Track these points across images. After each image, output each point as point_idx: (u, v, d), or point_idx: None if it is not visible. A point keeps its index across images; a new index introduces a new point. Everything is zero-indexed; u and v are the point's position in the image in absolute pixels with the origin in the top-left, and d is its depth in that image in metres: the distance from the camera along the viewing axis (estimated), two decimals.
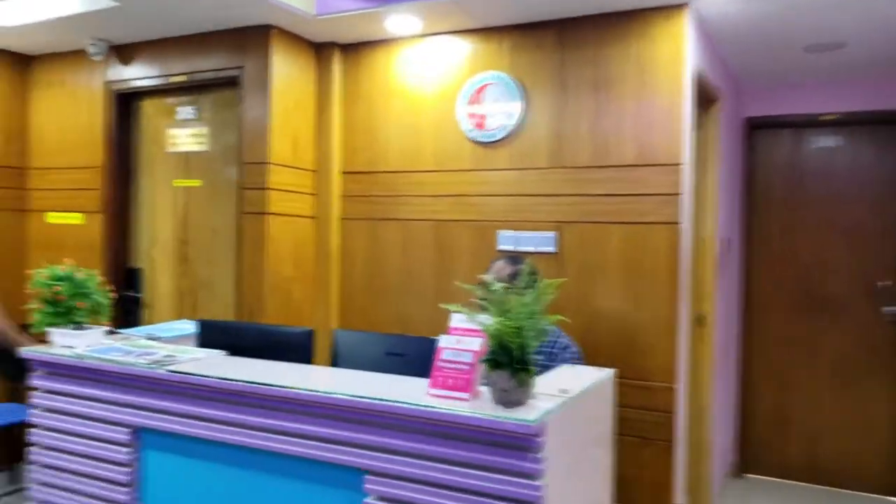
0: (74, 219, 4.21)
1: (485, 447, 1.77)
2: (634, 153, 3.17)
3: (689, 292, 3.40)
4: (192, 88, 3.92)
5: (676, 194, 3.08)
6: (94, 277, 2.55)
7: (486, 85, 3.47)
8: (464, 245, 3.55)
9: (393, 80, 3.72)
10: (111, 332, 2.98)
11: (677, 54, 3.09)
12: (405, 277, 3.69)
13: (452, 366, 1.90)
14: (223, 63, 3.69)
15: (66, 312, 2.51)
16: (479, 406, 1.80)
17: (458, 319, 1.96)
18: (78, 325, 2.54)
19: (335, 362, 2.40)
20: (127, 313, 4.17)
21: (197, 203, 3.97)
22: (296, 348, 2.50)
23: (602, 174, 3.23)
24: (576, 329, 3.07)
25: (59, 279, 2.50)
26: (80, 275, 2.52)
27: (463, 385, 1.86)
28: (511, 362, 1.78)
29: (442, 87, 3.59)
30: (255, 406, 2.08)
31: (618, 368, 2.51)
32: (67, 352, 2.41)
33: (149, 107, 4.13)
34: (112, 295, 2.64)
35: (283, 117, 3.63)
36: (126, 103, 4.13)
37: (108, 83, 4.07)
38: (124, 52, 4.00)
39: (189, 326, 2.80)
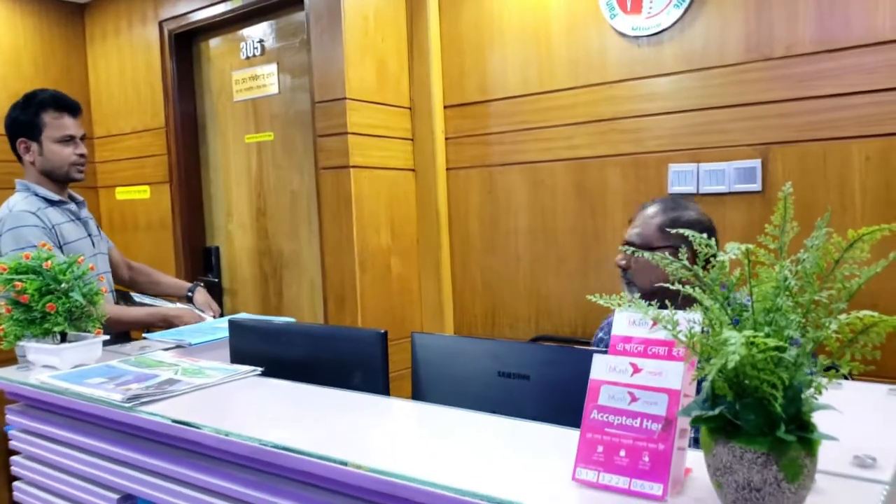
0: (141, 192, 3.57)
1: None
2: None
3: None
4: (252, 15, 3.09)
5: None
6: (73, 266, 1.76)
7: None
8: (617, 191, 2.48)
9: None
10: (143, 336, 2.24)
11: None
12: (537, 242, 2.68)
13: (622, 422, 0.90)
14: None
15: (41, 319, 1.74)
16: None
17: (624, 321, 0.96)
18: (62, 336, 1.77)
19: (415, 386, 1.47)
20: None
21: (271, 162, 3.17)
22: (363, 360, 1.60)
23: (835, 62, 2.05)
24: None
25: (24, 272, 1.74)
26: (54, 264, 1.74)
27: (650, 468, 0.86)
28: (767, 424, 0.75)
29: None
30: (265, 476, 1.20)
31: None
32: (40, 377, 1.65)
33: (209, 48, 3.37)
34: (104, 290, 1.85)
35: (361, 35, 2.71)
36: (185, 46, 3.39)
37: (163, 23, 3.34)
38: None
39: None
